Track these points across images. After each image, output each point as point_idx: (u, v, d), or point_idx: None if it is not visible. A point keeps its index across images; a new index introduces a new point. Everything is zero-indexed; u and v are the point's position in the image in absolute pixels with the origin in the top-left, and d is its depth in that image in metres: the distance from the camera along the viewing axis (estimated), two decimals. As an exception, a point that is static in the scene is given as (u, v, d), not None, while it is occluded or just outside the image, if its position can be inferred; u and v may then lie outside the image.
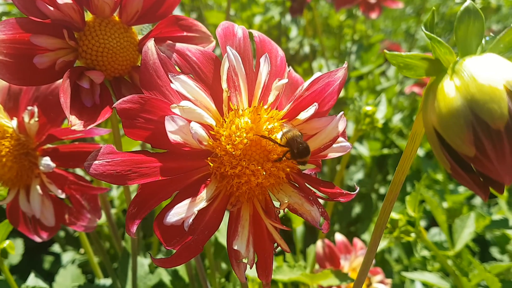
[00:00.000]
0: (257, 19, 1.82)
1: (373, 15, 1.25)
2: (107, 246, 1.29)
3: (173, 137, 0.39)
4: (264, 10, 1.85)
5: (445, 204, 1.21)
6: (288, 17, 2.02)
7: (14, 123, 0.58)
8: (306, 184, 0.44)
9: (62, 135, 0.57)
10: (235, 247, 0.40)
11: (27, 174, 0.59)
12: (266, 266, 0.44)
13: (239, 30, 0.45)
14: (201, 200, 0.39)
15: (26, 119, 0.57)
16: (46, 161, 0.55)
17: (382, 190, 1.53)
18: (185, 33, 0.48)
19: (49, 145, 0.60)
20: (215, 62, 0.44)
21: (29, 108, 0.56)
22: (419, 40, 3.00)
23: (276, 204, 0.44)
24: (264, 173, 0.40)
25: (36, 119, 0.56)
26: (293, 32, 2.08)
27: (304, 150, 0.40)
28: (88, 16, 0.46)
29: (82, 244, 0.91)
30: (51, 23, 0.42)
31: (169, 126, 0.38)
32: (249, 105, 0.44)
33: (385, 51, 0.30)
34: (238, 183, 0.41)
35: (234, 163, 0.40)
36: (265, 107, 0.43)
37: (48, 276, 1.23)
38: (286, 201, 0.41)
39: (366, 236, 1.36)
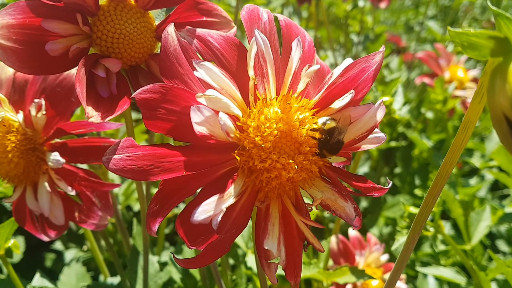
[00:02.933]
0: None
1: (382, 5, 1.22)
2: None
3: (198, 129, 0.36)
4: (267, 1, 1.82)
5: (456, 197, 1.19)
6: (290, 9, 1.99)
7: (20, 116, 0.55)
8: (338, 178, 0.41)
9: (72, 129, 0.54)
10: (266, 247, 0.37)
11: (35, 171, 0.56)
12: (295, 266, 0.41)
13: (264, 13, 0.42)
14: (229, 196, 0.36)
15: (33, 112, 0.54)
16: (55, 157, 0.52)
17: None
18: (204, 18, 0.45)
19: (57, 140, 0.57)
20: (238, 48, 0.41)
21: (36, 100, 0.53)
22: (418, 32, 2.98)
23: (306, 200, 0.41)
24: (296, 167, 0.37)
25: (44, 112, 0.53)
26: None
27: (336, 145, 0.38)
28: (102, 0, 0.43)
29: (88, 241, 0.88)
30: (64, 7, 0.39)
31: (195, 117, 0.35)
32: (277, 94, 0.41)
33: (449, 28, 0.27)
34: (268, 178, 0.38)
35: (264, 157, 0.37)
36: (294, 95, 0.40)
37: (50, 274, 1.21)
38: (320, 197, 0.38)
39: (375, 231, 1.33)
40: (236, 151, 0.38)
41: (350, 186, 0.42)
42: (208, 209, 0.35)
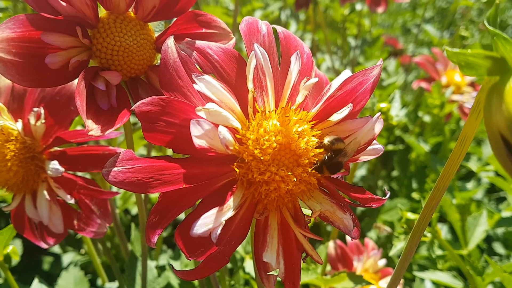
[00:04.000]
0: (258, 14, 1.80)
1: (380, 9, 1.22)
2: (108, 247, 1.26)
3: (198, 142, 0.36)
4: (264, 5, 1.83)
5: (453, 201, 1.19)
6: (287, 12, 1.99)
7: (19, 125, 0.55)
8: (336, 189, 0.41)
9: (71, 137, 0.55)
10: (265, 259, 0.37)
11: (34, 179, 0.56)
12: (293, 277, 0.41)
13: (263, 26, 0.42)
14: (229, 209, 0.36)
15: (32, 121, 0.54)
16: (54, 165, 0.53)
17: (386, 187, 1.51)
18: (204, 30, 0.45)
19: (56, 148, 0.57)
20: (237, 60, 0.41)
21: (35, 109, 0.53)
22: (415, 35, 2.99)
23: (305, 211, 0.42)
24: (295, 179, 0.38)
25: (43, 121, 0.53)
26: (292, 27, 2.05)
27: (337, 166, 0.38)
28: (102, 12, 0.43)
29: (86, 245, 0.88)
30: (63, 20, 0.39)
31: (195, 130, 0.35)
32: (276, 106, 0.41)
33: (446, 48, 0.28)
34: (267, 190, 0.38)
35: (263, 169, 0.38)
36: (293, 107, 0.40)
37: (48, 278, 1.20)
38: (318, 209, 0.39)
39: (372, 234, 1.33)
40: (235, 164, 0.38)
41: (348, 197, 0.43)
42: (208, 222, 0.35)
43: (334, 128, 0.40)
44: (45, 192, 0.55)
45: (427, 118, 1.50)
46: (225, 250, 0.38)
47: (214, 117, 0.37)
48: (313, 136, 0.39)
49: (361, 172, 1.58)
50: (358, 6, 1.64)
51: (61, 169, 0.52)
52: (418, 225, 0.40)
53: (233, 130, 0.38)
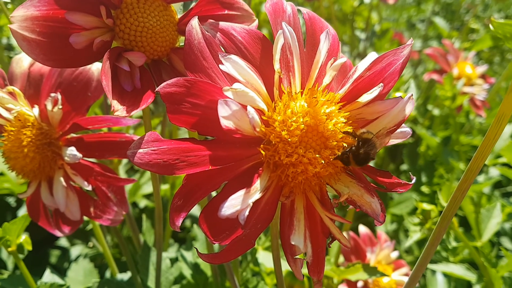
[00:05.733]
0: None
1: (391, 1, 1.21)
2: (116, 240, 1.26)
3: (225, 123, 0.35)
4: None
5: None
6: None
7: (35, 111, 0.54)
8: (363, 173, 0.40)
9: (88, 124, 0.54)
10: (293, 242, 0.37)
11: (50, 165, 0.55)
12: (318, 262, 0.40)
13: (288, 6, 0.42)
14: (256, 191, 0.36)
15: (49, 106, 0.53)
16: (72, 151, 0.52)
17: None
18: (226, 11, 0.44)
19: (73, 135, 0.56)
20: (262, 41, 0.41)
21: (53, 95, 0.53)
22: (420, 30, 2.98)
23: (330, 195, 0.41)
24: (323, 161, 0.37)
25: (60, 106, 0.53)
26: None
27: (364, 159, 0.37)
28: (125, -8, 0.42)
29: (96, 236, 0.87)
30: (87, 0, 0.39)
31: (222, 110, 0.35)
32: (302, 88, 0.40)
33: (492, 19, 0.27)
34: (294, 173, 0.37)
35: (290, 151, 0.37)
36: (320, 89, 0.40)
37: (55, 271, 1.20)
38: (347, 192, 0.38)
39: (381, 227, 1.33)
40: (261, 146, 0.38)
41: (374, 181, 0.42)
42: (236, 204, 0.35)
43: (363, 109, 0.40)
44: (62, 179, 0.55)
45: (436, 112, 1.49)
46: (251, 233, 0.38)
47: (241, 97, 0.36)
48: (341, 117, 0.39)
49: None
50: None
51: (79, 155, 0.52)
52: (448, 208, 0.39)
53: (259, 112, 0.38)
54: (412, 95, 0.39)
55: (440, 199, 0.77)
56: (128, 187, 1.21)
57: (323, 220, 0.39)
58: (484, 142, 0.35)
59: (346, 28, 1.73)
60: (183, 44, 0.46)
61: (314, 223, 0.40)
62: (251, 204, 0.35)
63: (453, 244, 0.93)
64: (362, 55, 1.48)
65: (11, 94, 0.54)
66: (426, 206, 0.76)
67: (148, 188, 1.15)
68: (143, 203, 1.30)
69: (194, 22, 0.38)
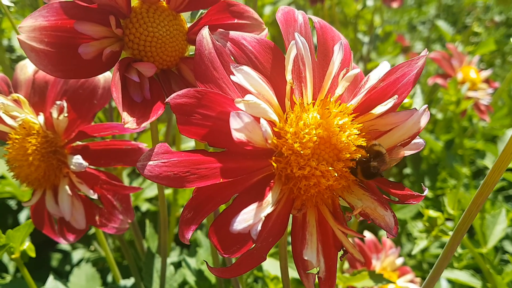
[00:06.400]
0: (267, 10, 1.78)
1: (395, 5, 1.21)
2: (117, 244, 1.25)
3: (237, 135, 0.35)
4: (274, 1, 1.81)
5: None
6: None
7: (40, 119, 0.54)
8: (376, 185, 0.40)
9: (94, 132, 0.53)
10: (306, 257, 0.36)
11: (55, 174, 0.55)
12: (330, 276, 0.40)
13: (300, 15, 0.41)
14: (268, 205, 0.35)
15: (55, 114, 0.52)
16: (78, 160, 0.51)
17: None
18: (236, 20, 0.44)
19: (78, 142, 0.55)
20: (273, 51, 0.40)
21: (58, 102, 0.52)
22: (421, 32, 2.97)
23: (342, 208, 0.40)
24: (336, 174, 0.36)
25: (66, 114, 0.52)
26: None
27: (374, 172, 0.37)
28: (134, 1, 0.41)
29: (99, 241, 0.87)
30: (96, 9, 0.38)
31: (234, 123, 0.34)
32: (313, 98, 0.40)
33: None
34: (307, 186, 0.36)
35: (302, 164, 0.36)
36: (332, 99, 0.39)
37: (57, 275, 1.19)
38: (360, 206, 0.37)
39: (383, 232, 1.32)
40: (273, 158, 0.37)
41: (387, 193, 0.41)
42: (248, 218, 0.34)
43: (376, 121, 0.39)
44: (67, 187, 0.54)
45: (439, 115, 1.49)
46: (262, 247, 0.37)
47: (253, 109, 0.35)
48: (354, 129, 0.38)
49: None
50: (370, 2, 1.62)
51: (85, 163, 0.51)
52: (462, 222, 0.38)
53: (270, 123, 0.37)
54: (427, 106, 0.38)
55: (446, 206, 0.77)
56: (142, 189, 1.21)
57: (336, 234, 0.38)
58: (501, 156, 0.35)
59: (348, 31, 1.73)
60: (192, 53, 0.45)
61: (327, 237, 0.39)
62: (263, 218, 0.34)
63: (459, 251, 0.92)
64: (365, 59, 1.48)
65: (16, 101, 0.54)
66: (432, 213, 0.75)
67: (150, 192, 1.14)
68: (145, 206, 1.29)
69: (205, 32, 0.38)
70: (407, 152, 0.41)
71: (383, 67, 0.41)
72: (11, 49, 1.38)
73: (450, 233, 0.78)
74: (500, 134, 1.34)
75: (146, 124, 0.37)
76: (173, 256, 1.13)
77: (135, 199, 1.20)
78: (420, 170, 1.41)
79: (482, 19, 2.97)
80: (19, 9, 1.52)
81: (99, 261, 1.25)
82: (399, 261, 0.90)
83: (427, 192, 0.41)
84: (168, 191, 1.10)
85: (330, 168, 0.36)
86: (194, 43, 0.43)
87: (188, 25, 0.44)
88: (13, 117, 0.53)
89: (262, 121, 0.34)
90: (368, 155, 0.37)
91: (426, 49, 0.38)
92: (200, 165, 0.36)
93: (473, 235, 1.10)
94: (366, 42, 1.54)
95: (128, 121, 0.36)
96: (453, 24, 3.07)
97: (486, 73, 1.26)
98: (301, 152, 0.36)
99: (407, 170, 1.53)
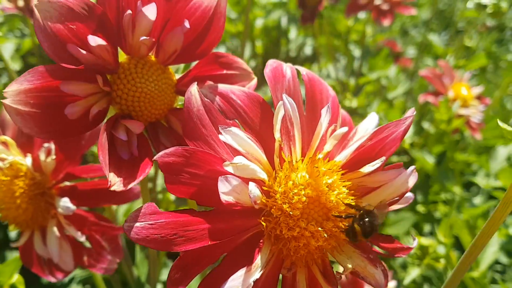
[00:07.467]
0: (259, 22, 1.78)
1: (386, 22, 1.21)
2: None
3: (225, 198, 0.34)
4: (266, 13, 1.81)
5: (460, 217, 1.18)
6: (287, 17, 1.96)
7: (28, 160, 0.53)
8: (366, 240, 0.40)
9: (82, 173, 0.53)
10: (295, 319, 0.36)
11: (43, 215, 0.54)
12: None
13: (288, 69, 0.41)
14: (257, 269, 0.35)
15: (42, 157, 0.52)
16: (65, 203, 0.51)
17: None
18: (225, 71, 0.43)
19: (66, 183, 0.55)
20: (261, 105, 0.40)
21: (46, 145, 0.51)
22: (415, 37, 2.98)
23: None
24: (325, 235, 0.36)
25: (53, 157, 0.52)
26: (293, 32, 2.03)
27: (369, 231, 0.37)
28: (122, 56, 0.41)
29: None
30: (83, 69, 0.37)
31: (222, 187, 0.34)
32: (302, 154, 0.39)
33: (504, 127, 0.26)
34: (296, 247, 0.36)
35: (291, 224, 0.36)
36: (320, 156, 0.39)
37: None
38: (350, 267, 0.37)
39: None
40: (262, 218, 0.37)
41: (377, 246, 0.41)
42: (236, 285, 0.34)
43: (365, 179, 0.39)
44: (55, 229, 0.54)
45: (431, 129, 1.49)
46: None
47: (241, 171, 0.35)
48: (343, 187, 0.38)
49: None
50: (361, 14, 1.62)
51: (72, 207, 0.50)
52: (451, 281, 0.38)
53: (259, 182, 0.37)
54: (414, 168, 0.38)
55: (438, 234, 0.77)
56: (123, 207, 1.20)
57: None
58: (489, 222, 0.35)
59: (340, 42, 1.73)
60: (181, 103, 0.45)
61: (317, 294, 0.39)
62: (252, 283, 0.34)
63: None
64: (356, 73, 1.48)
65: (4, 143, 0.53)
66: (424, 241, 0.75)
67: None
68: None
69: (193, 89, 0.37)
70: (396, 206, 0.40)
71: (371, 120, 0.41)
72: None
73: (442, 260, 0.78)
74: (492, 144, 1.35)
75: (133, 185, 0.36)
76: (165, 274, 1.12)
77: (126, 214, 1.19)
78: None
79: (474, 23, 2.98)
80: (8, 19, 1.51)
81: (89, 280, 1.24)
82: (392, 284, 0.90)
83: (416, 244, 0.41)
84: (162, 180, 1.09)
85: (319, 228, 0.36)
86: (183, 94, 0.43)
87: (177, 76, 0.44)
88: (1, 159, 0.52)
89: (251, 185, 0.34)
90: (360, 213, 0.37)
91: (413, 108, 0.38)
92: (188, 227, 0.35)
93: (463, 251, 1.10)
94: (358, 56, 1.54)
95: (115, 182, 0.36)
96: (445, 28, 3.08)
97: (477, 90, 1.27)
98: (291, 213, 0.36)
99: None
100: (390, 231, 1.32)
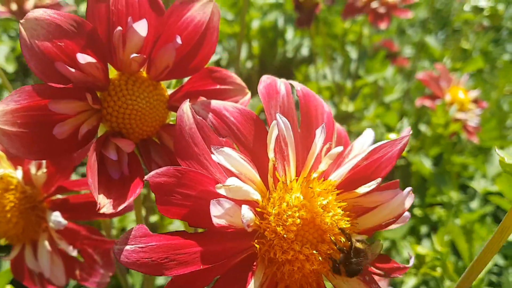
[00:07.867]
0: (255, 24, 1.77)
1: (382, 25, 1.20)
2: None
3: (217, 221, 0.34)
4: (262, 14, 1.80)
5: (457, 221, 1.17)
6: (283, 18, 1.95)
7: (19, 173, 0.52)
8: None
9: (74, 187, 0.52)
10: None
11: (34, 229, 0.53)
12: None
13: (282, 86, 0.40)
14: (250, 293, 0.34)
15: (33, 170, 0.51)
16: (57, 218, 0.50)
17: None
18: (218, 86, 0.42)
19: (58, 196, 0.54)
20: (255, 122, 0.39)
21: (36, 158, 0.50)
22: (412, 36, 2.97)
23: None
24: (320, 258, 0.35)
25: (44, 170, 0.51)
26: (289, 33, 2.02)
27: (355, 271, 0.36)
28: (113, 73, 0.40)
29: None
30: (72, 87, 0.36)
31: (215, 210, 0.33)
32: (297, 174, 0.39)
33: (501, 159, 0.26)
34: (291, 271, 0.35)
35: (286, 247, 0.35)
36: (315, 175, 0.38)
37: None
38: (345, 290, 0.36)
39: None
40: (255, 240, 0.36)
41: (374, 267, 0.40)
42: (230, 310, 0.33)
43: (360, 199, 0.38)
44: (47, 243, 0.53)
45: (428, 132, 1.48)
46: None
47: (234, 193, 0.34)
48: (338, 207, 0.37)
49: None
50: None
51: (64, 222, 0.50)
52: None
53: (253, 203, 0.36)
54: (411, 189, 0.37)
55: (434, 243, 0.76)
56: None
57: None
58: (485, 249, 0.34)
59: (336, 43, 1.72)
60: (173, 119, 0.44)
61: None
62: (245, 309, 0.33)
63: (448, 283, 0.92)
64: (353, 76, 1.47)
65: (-7, 156, 0.52)
66: (420, 250, 0.75)
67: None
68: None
69: (186, 106, 0.36)
70: (393, 226, 0.40)
71: (366, 137, 0.40)
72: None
73: (438, 269, 0.78)
74: (489, 145, 1.34)
75: (123, 207, 0.35)
76: (161, 278, 1.11)
77: (121, 221, 1.18)
78: (410, 186, 1.41)
79: (471, 23, 2.97)
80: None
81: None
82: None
83: (413, 262, 0.41)
84: (154, 218, 1.08)
85: (314, 251, 0.35)
86: (175, 110, 0.42)
87: (170, 91, 0.43)
88: (-9, 172, 0.51)
89: (244, 208, 0.33)
90: (347, 253, 0.36)
91: (409, 127, 0.37)
92: (179, 250, 0.34)
93: (460, 257, 1.09)
94: (354, 58, 1.53)
95: (104, 204, 0.35)
96: (442, 27, 3.07)
97: (474, 93, 1.26)
98: (285, 235, 0.35)
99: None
100: (387, 235, 1.32)
